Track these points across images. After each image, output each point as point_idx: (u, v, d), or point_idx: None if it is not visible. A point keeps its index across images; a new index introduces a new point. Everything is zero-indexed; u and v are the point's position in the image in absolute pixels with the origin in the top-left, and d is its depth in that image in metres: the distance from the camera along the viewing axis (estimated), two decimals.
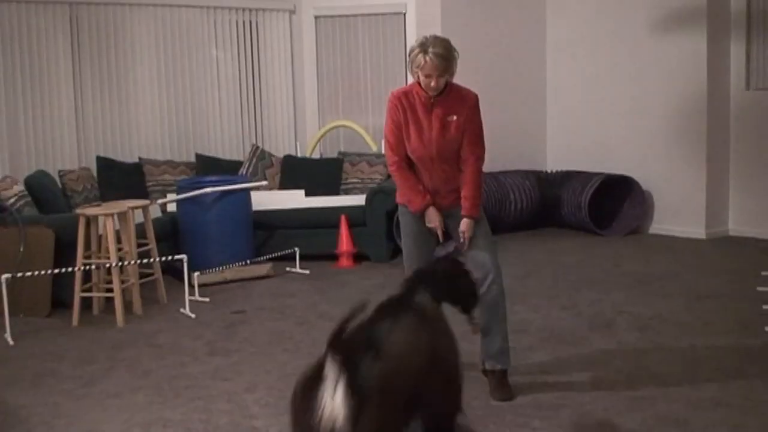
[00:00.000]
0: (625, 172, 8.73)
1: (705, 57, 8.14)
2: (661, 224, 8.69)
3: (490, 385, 4.36)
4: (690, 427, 3.83)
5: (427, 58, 4.08)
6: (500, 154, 9.37)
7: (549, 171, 9.44)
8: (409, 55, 4.20)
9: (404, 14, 9.27)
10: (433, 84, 4.14)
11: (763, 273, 6.66)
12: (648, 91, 8.67)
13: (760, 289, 6.20)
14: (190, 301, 6.22)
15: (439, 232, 4.37)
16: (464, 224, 4.31)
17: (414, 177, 4.36)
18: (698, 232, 8.36)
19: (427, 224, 4.36)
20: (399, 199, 4.47)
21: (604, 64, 9.08)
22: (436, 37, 4.17)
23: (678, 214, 8.53)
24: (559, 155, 9.67)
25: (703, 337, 5.17)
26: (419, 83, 4.22)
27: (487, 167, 9.81)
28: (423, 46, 4.10)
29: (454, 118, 4.24)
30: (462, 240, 4.33)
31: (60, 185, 7.57)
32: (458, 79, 4.29)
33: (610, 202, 8.90)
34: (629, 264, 7.38)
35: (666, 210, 8.65)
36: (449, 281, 3.76)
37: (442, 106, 4.24)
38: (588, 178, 8.73)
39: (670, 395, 4.22)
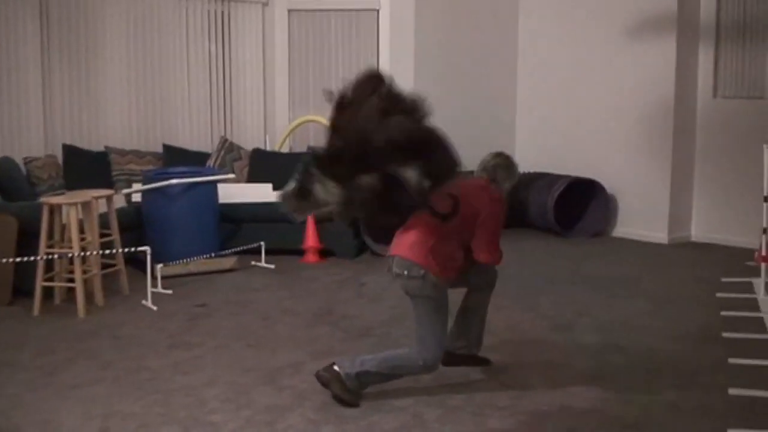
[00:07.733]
0: (592, 176, 8.80)
1: (674, 64, 8.22)
2: (625, 228, 8.78)
3: (468, 362, 4.64)
4: (642, 430, 3.90)
5: None
6: (469, 155, 9.40)
7: None
8: None
9: (378, 11, 9.25)
10: None
11: (723, 279, 6.76)
12: (617, 96, 8.75)
13: (719, 295, 6.29)
14: (152, 293, 6.18)
15: None
16: None
17: None
18: (661, 236, 8.45)
19: None
20: (442, 271, 4.11)
21: (575, 68, 9.14)
22: None
23: (642, 218, 8.61)
24: (527, 157, 9.68)
25: (662, 342, 5.23)
26: None
27: None
28: None
29: None
30: None
31: (25, 172, 7.49)
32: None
33: (576, 205, 8.97)
34: (592, 267, 7.45)
35: (630, 214, 8.73)
36: None
37: None
38: (554, 179, 8.78)
39: (626, 399, 4.27)
